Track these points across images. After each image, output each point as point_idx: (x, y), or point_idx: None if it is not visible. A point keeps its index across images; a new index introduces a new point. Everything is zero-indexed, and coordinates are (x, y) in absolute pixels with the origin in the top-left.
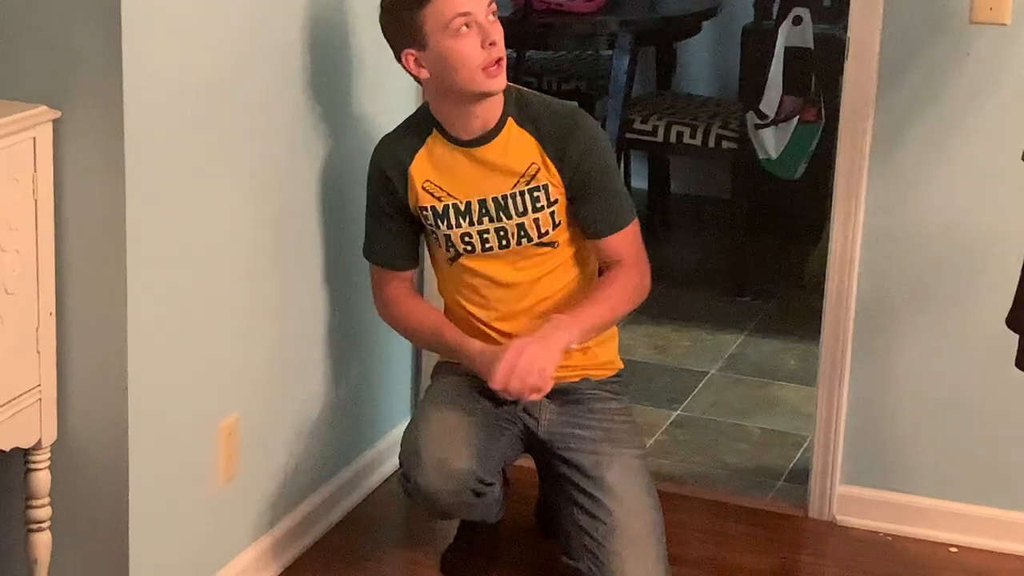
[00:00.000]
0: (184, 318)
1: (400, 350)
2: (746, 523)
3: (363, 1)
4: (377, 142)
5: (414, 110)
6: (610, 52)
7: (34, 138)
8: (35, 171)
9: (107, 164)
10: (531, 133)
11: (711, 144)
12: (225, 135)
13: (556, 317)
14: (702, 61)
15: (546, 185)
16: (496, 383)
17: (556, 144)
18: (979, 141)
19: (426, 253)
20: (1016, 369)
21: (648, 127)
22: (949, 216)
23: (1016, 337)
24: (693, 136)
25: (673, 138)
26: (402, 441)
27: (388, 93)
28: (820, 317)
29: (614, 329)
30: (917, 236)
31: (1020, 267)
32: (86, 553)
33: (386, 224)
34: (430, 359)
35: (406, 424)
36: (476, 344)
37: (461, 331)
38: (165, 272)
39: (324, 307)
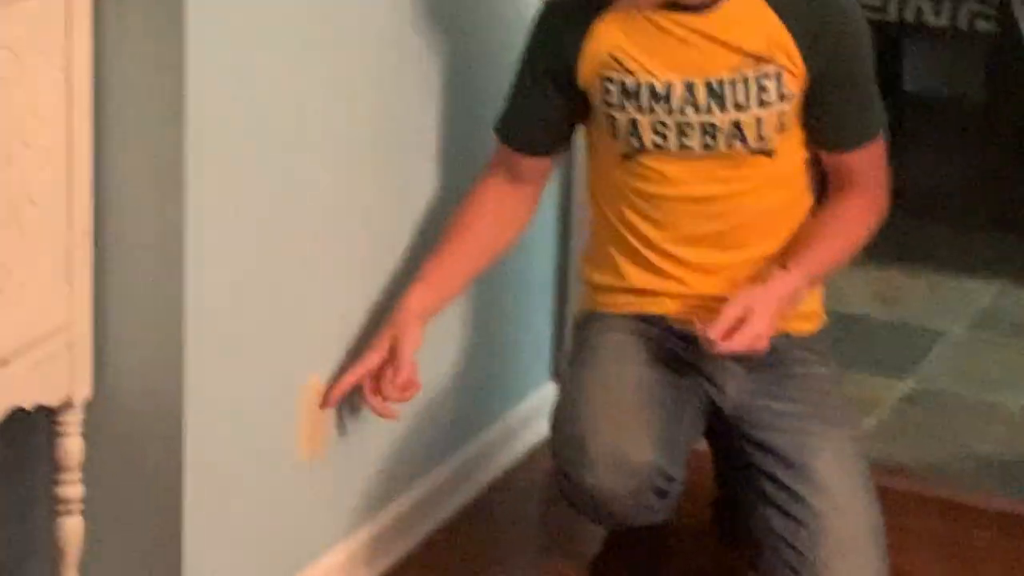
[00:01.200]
0: (259, 249)
1: (537, 289)
2: (997, 531)
3: None
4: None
5: None
6: None
7: None
8: (69, 42)
9: (162, 37)
10: (770, 2)
11: (962, 24)
12: (319, 9)
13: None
14: None
15: (781, 73)
16: (711, 337)
17: (806, 21)
18: None
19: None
20: None
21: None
22: None
23: None
24: (937, 12)
25: (910, 15)
26: (553, 424)
27: None
28: None
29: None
30: None
31: None
32: (128, 544)
33: (534, 93)
34: (576, 303)
35: (544, 390)
36: (413, 303)
37: (437, 277)
38: (234, 187)
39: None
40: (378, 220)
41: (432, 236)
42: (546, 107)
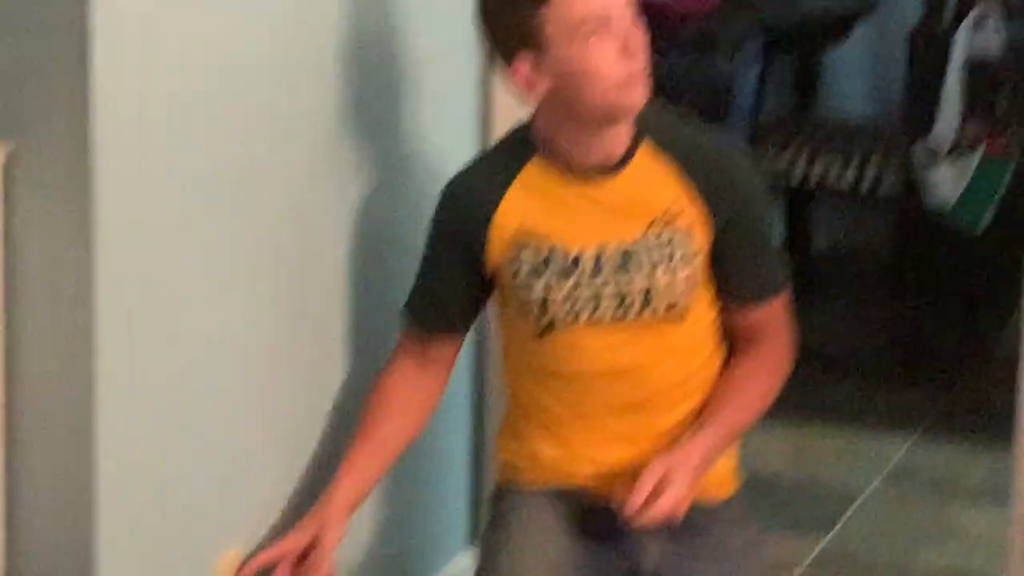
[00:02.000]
0: (170, 423)
1: (453, 459)
2: None
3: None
4: (439, 178)
5: (478, 137)
6: (733, 63)
7: None
8: None
9: (71, 210)
10: (671, 165)
11: (866, 186)
12: (230, 172)
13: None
14: (855, 75)
15: (688, 231)
16: (631, 510)
17: (707, 180)
18: None
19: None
20: None
21: (782, 163)
22: None
23: None
24: (842, 175)
25: (816, 178)
26: None
27: (450, 118)
28: (1014, 415)
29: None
30: None
31: None
32: None
33: (441, 273)
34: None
35: (461, 559)
36: (340, 498)
37: (360, 469)
38: (146, 358)
39: (351, 407)
40: (294, 396)
41: (350, 411)
42: (455, 287)
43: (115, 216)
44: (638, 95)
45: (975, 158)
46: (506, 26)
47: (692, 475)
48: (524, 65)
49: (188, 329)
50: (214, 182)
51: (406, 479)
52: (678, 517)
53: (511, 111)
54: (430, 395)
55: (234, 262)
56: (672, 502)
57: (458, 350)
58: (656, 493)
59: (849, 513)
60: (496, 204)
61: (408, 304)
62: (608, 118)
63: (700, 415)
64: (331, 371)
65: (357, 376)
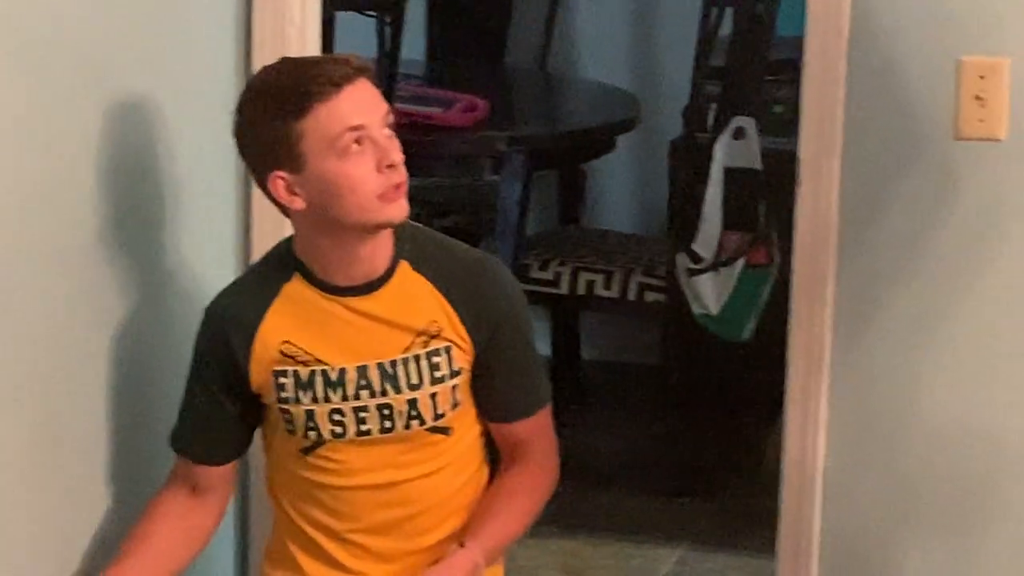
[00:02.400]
0: None
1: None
2: None
3: (178, 107)
4: (201, 297)
5: (242, 254)
6: (496, 177)
7: None
8: None
9: None
10: (431, 281)
11: (632, 296)
12: None
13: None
14: (619, 187)
15: (450, 347)
16: None
17: (466, 296)
18: (981, 300)
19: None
20: None
21: (548, 275)
22: (949, 411)
23: None
24: (608, 286)
25: (582, 289)
26: None
27: (210, 234)
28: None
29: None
30: (902, 440)
31: None
32: None
33: (204, 400)
34: None
35: None
36: None
37: None
38: None
39: (113, 536)
40: (50, 525)
41: (110, 540)
42: (220, 416)
43: None
44: (397, 209)
45: (737, 267)
46: (263, 142)
47: None
48: (282, 182)
49: None
50: None
51: None
52: None
53: (272, 228)
54: (201, 526)
55: None
56: None
57: (233, 476)
58: None
59: None
60: (257, 324)
61: (174, 435)
62: (367, 232)
63: (465, 528)
64: (91, 499)
65: (119, 503)
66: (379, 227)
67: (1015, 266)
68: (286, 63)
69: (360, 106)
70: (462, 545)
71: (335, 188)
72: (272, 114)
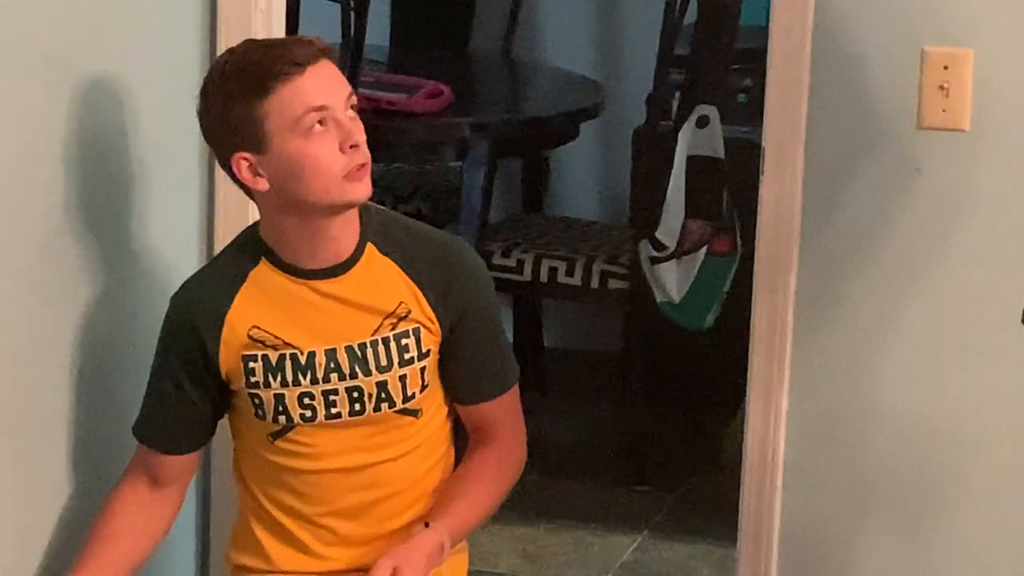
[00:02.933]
0: None
1: (179, 555)
2: None
3: (142, 91)
4: (166, 280)
5: (206, 238)
6: (460, 164)
7: None
8: None
9: None
10: (398, 263)
11: (594, 284)
12: None
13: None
14: (582, 175)
15: (418, 329)
16: None
17: (434, 278)
18: (942, 290)
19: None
20: None
21: (511, 262)
22: (908, 403)
23: None
24: (571, 274)
25: (545, 276)
26: None
27: (175, 218)
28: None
29: (464, 541)
30: (862, 431)
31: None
32: None
33: (170, 390)
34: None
35: None
36: None
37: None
38: None
39: (75, 527)
40: (11, 515)
41: (72, 532)
42: (186, 405)
43: None
44: (360, 188)
45: (700, 256)
46: (226, 123)
47: (423, 569)
48: (246, 163)
49: None
50: None
51: None
52: None
53: (237, 212)
54: (161, 517)
55: None
56: None
57: (194, 467)
58: None
59: None
60: (225, 310)
61: (138, 424)
62: (331, 213)
63: (432, 509)
64: (54, 486)
65: (82, 489)
66: (343, 207)
67: (976, 257)
68: (249, 44)
69: (323, 87)
70: (427, 525)
71: (298, 168)
72: (235, 95)
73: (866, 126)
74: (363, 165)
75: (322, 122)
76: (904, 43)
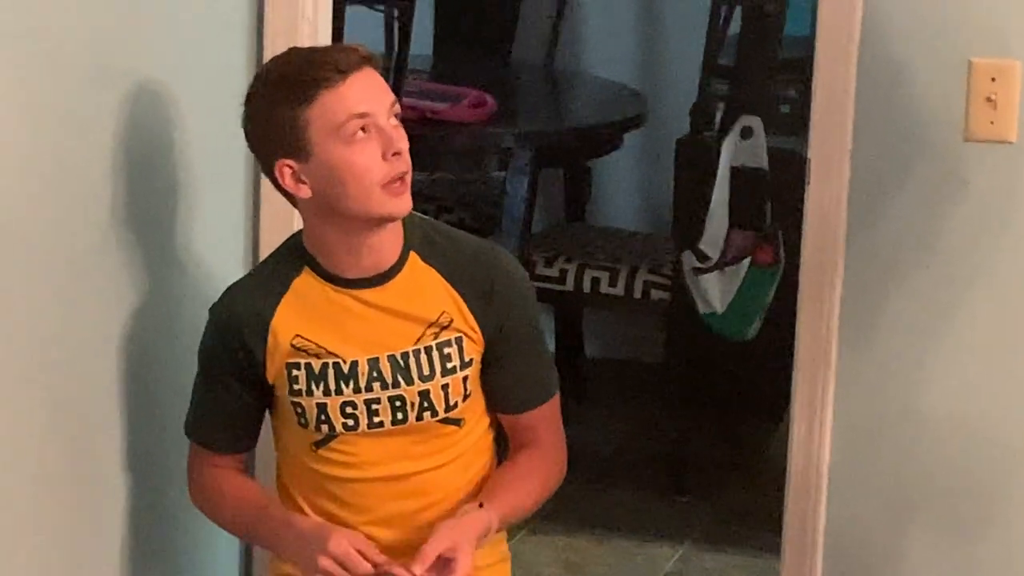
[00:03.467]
0: None
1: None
2: None
3: (191, 101)
4: (210, 287)
5: (251, 246)
6: (503, 173)
7: None
8: None
9: None
10: (441, 272)
11: (637, 294)
12: None
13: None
14: (625, 185)
15: (460, 338)
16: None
17: (476, 287)
18: (988, 301)
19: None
20: None
21: (554, 272)
22: (954, 411)
23: None
24: (613, 284)
25: (587, 286)
26: None
27: (217, 226)
28: (782, 523)
29: (504, 546)
30: (908, 440)
31: None
32: None
33: (223, 394)
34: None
35: None
36: (307, 520)
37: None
38: None
39: (123, 516)
40: (61, 508)
41: (125, 537)
42: (240, 405)
43: None
44: (403, 200)
45: (743, 267)
46: (270, 130)
47: (473, 548)
48: (289, 170)
49: None
50: None
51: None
52: None
53: (281, 221)
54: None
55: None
56: (462, 572)
57: (246, 456)
58: (441, 561)
59: None
60: (269, 318)
61: (193, 428)
62: (374, 223)
63: (480, 495)
64: (103, 489)
65: (130, 493)
66: (383, 219)
67: (1022, 268)
68: (293, 52)
69: (366, 94)
70: (481, 506)
71: (340, 175)
72: (279, 102)
73: (912, 137)
74: (404, 174)
75: (364, 129)
76: (951, 54)
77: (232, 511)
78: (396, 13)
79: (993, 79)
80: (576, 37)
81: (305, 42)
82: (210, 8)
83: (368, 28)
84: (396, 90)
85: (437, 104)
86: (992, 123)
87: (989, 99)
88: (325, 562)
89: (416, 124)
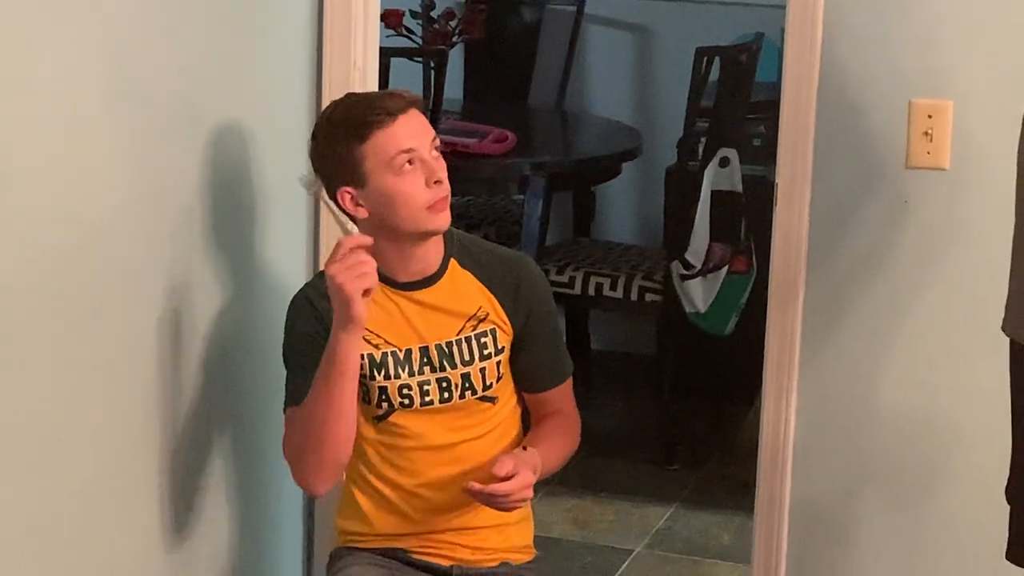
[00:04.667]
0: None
1: (286, 532)
2: None
3: (264, 136)
4: (291, 294)
5: (312, 257)
6: (522, 196)
7: None
8: None
9: None
10: (476, 275)
11: (633, 297)
12: (89, 294)
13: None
14: (623, 206)
15: (494, 329)
16: (505, 472)
17: (506, 287)
18: (930, 307)
19: None
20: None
21: (564, 278)
22: (901, 400)
23: (1004, 531)
24: (614, 288)
25: (592, 290)
26: None
27: (286, 240)
28: (755, 488)
29: (528, 509)
30: (861, 422)
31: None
32: None
33: (318, 360)
34: (322, 543)
35: None
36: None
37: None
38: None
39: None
40: (168, 478)
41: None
42: None
43: None
44: (443, 217)
45: (722, 274)
46: (333, 163)
47: (530, 473)
48: (349, 195)
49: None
50: (74, 299)
51: (239, 551)
52: (524, 501)
53: (337, 236)
54: None
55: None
56: (523, 484)
57: None
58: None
59: (621, 570)
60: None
61: (292, 396)
62: (420, 237)
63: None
64: (193, 472)
65: (216, 483)
66: (428, 234)
67: (959, 276)
68: (351, 97)
69: (412, 132)
70: (525, 449)
71: (391, 200)
72: (340, 139)
73: (863, 166)
74: (444, 197)
75: (411, 162)
76: (895, 96)
77: (310, 409)
78: (432, 64)
79: (930, 116)
80: (582, 83)
81: (356, 88)
82: (278, 59)
83: (409, 75)
84: (433, 127)
85: (467, 140)
86: (928, 153)
87: (926, 133)
88: (333, 268)
89: (449, 156)
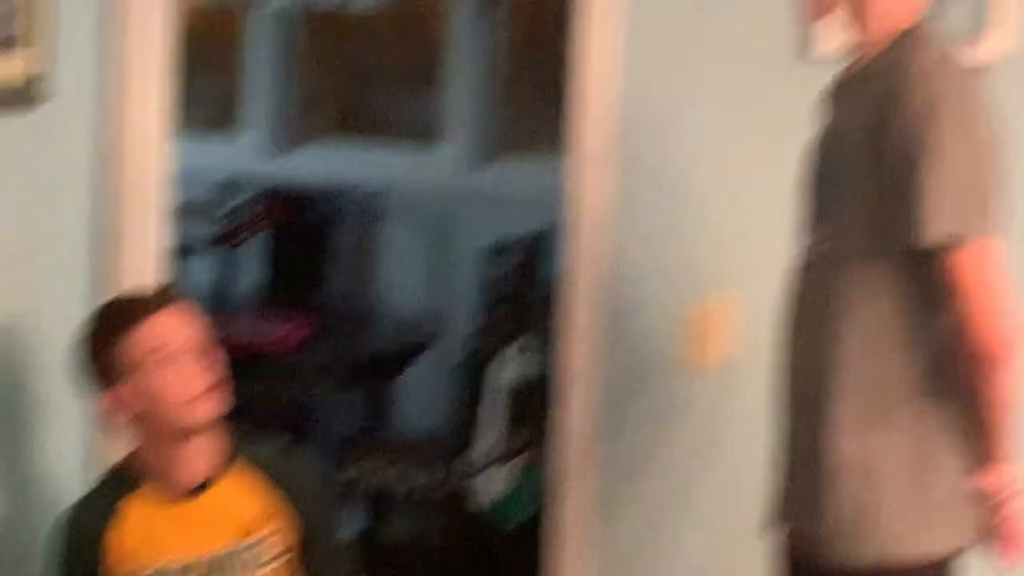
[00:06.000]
0: None
1: None
2: None
3: (34, 335)
4: (55, 513)
5: (89, 464)
6: (315, 390)
7: None
8: None
9: None
10: (263, 476)
11: (420, 491)
12: None
13: None
14: (417, 399)
15: (277, 533)
16: None
17: (292, 487)
18: (709, 489)
19: None
20: None
21: (361, 472)
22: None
23: None
24: (403, 481)
25: (381, 484)
26: None
27: (64, 448)
28: None
29: None
30: None
31: None
32: None
33: None
34: None
35: None
36: None
37: None
38: None
39: None
40: None
41: None
42: None
43: None
44: (205, 411)
45: (519, 464)
46: (94, 364)
47: None
48: (110, 398)
49: None
50: None
51: None
52: None
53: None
54: None
55: None
56: None
57: None
58: None
59: None
60: (103, 532)
61: None
62: (185, 433)
63: None
64: None
65: None
66: (192, 427)
67: (731, 464)
68: (114, 300)
69: (168, 328)
70: None
71: (150, 398)
72: (100, 339)
73: (639, 366)
74: (205, 391)
75: (166, 358)
76: (672, 297)
77: None
78: (226, 260)
79: (705, 317)
80: (378, 280)
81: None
82: (54, 257)
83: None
84: (220, 320)
85: (259, 333)
86: (703, 354)
87: (703, 332)
88: None
89: (240, 350)
